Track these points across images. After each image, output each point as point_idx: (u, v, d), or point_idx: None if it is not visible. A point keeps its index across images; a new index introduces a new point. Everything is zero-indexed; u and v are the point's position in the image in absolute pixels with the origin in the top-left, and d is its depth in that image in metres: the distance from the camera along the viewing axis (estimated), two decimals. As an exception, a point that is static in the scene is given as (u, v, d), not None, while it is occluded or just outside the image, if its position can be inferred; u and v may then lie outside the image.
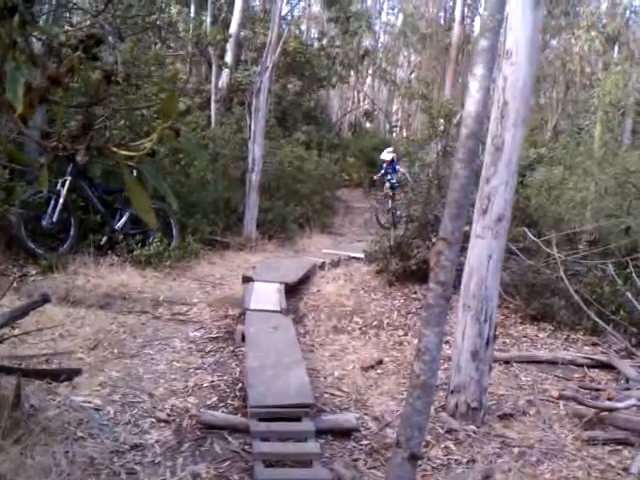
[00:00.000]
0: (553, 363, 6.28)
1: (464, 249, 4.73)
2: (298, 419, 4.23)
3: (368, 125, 25.28)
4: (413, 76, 27.57)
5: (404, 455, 3.42)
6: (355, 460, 4.15)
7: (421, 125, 20.12)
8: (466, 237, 4.39)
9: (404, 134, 25.60)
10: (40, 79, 1.08)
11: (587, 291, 7.14)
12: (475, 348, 4.92)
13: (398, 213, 12.17)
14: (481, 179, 5.02)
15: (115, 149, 1.16)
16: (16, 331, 5.09)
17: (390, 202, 13.11)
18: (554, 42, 18.26)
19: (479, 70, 3.46)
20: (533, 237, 7.33)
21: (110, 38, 7.67)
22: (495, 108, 4.98)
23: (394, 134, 24.45)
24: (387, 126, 25.49)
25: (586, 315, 6.93)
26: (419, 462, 4.12)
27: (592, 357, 6.38)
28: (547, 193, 8.47)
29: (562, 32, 16.87)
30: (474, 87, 3.47)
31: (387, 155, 13.79)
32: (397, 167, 13.54)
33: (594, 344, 6.95)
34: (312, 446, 3.94)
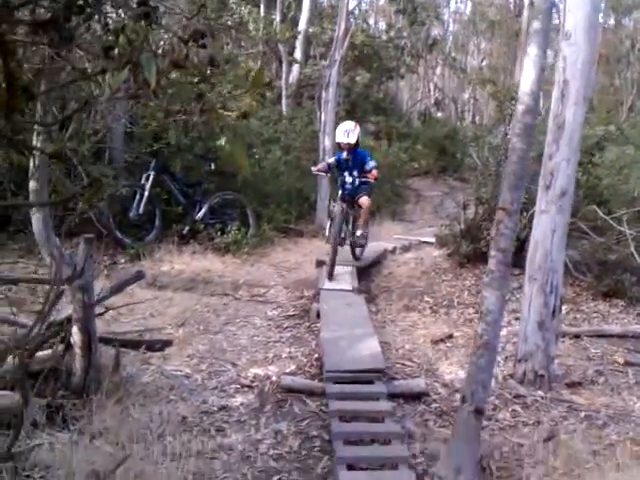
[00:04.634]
0: (624, 337, 6.35)
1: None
2: (371, 382, 4.54)
3: (439, 114, 25.26)
4: (484, 63, 27.35)
5: (469, 409, 3.70)
6: (425, 420, 4.43)
7: (493, 112, 20.01)
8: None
9: (476, 121, 25.44)
10: (164, 65, 1.45)
11: (659, 267, 7.13)
12: (541, 318, 5.10)
13: (359, 233, 7.37)
14: (544, 156, 5.20)
15: (221, 110, 1.50)
16: (110, 312, 5.62)
17: (340, 224, 7.04)
18: (626, 21, 17.83)
19: (533, 50, 3.70)
20: (603, 214, 7.35)
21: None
22: (556, 87, 5.14)
23: (465, 122, 24.31)
24: (458, 114, 25.40)
25: (658, 291, 6.94)
26: (487, 423, 4.38)
27: (664, 331, 6.40)
28: (618, 172, 8.42)
29: (633, 11, 16.47)
30: (529, 66, 3.70)
31: (344, 135, 7.29)
32: (368, 159, 7.31)
33: (667, 319, 6.95)
34: (384, 404, 4.26)
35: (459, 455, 3.72)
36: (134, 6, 1.56)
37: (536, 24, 3.63)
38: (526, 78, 3.65)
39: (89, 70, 2.10)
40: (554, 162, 5.08)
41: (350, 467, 3.65)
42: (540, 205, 5.19)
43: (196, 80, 1.61)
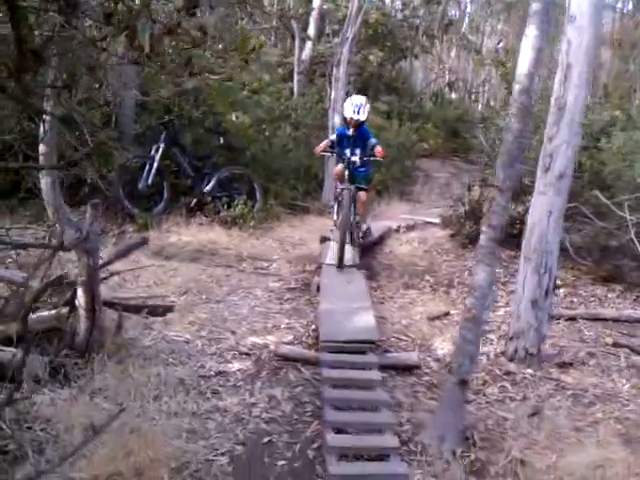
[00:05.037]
0: (618, 321, 6.45)
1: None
2: (363, 353, 4.68)
3: (453, 96, 25.14)
4: (501, 45, 27.12)
5: (454, 380, 3.82)
6: (415, 392, 4.57)
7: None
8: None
9: (490, 103, 25.30)
10: (158, 31, 1.58)
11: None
12: (534, 297, 5.20)
13: (364, 228, 7.35)
14: (544, 138, 5.27)
15: (208, 74, 1.64)
16: (115, 279, 5.78)
17: (349, 208, 6.71)
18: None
19: (532, 31, 3.77)
20: (604, 199, 7.40)
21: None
22: (559, 70, 5.19)
23: (479, 104, 24.19)
24: (472, 96, 25.26)
25: (656, 277, 7.02)
26: (475, 397, 4.52)
27: (660, 316, 6.49)
28: (623, 158, 8.45)
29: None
30: (526, 47, 3.77)
31: (354, 110, 6.91)
32: (371, 136, 7.06)
33: (664, 305, 7.04)
34: (375, 374, 4.41)
35: (443, 425, 3.86)
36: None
37: (535, 5, 3.70)
38: (524, 59, 3.73)
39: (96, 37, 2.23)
40: (554, 144, 5.14)
41: (338, 431, 3.81)
42: (538, 187, 5.27)
43: (188, 47, 1.75)
